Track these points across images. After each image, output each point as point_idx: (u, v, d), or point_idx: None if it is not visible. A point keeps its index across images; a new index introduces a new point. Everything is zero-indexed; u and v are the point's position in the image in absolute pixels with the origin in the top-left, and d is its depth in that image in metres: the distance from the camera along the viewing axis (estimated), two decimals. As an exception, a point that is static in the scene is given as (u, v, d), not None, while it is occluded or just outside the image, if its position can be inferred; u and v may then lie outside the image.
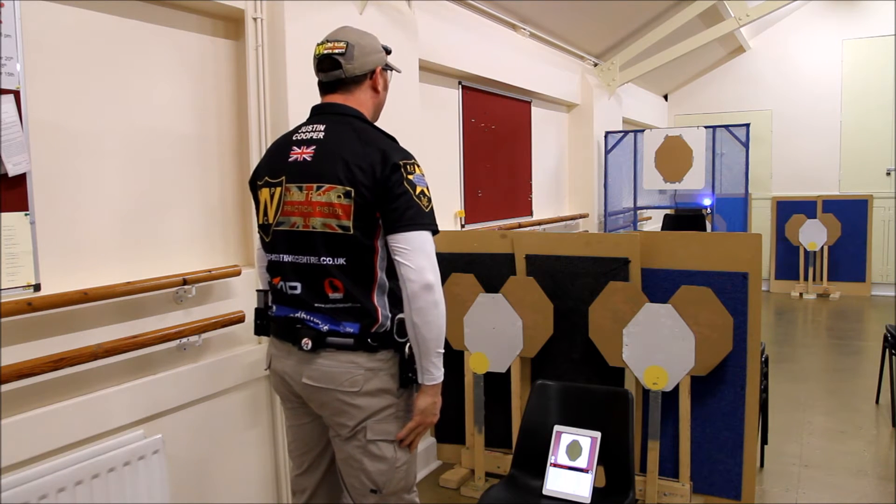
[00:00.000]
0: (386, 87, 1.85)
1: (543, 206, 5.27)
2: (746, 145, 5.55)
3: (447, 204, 3.90)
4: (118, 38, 2.01)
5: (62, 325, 1.81)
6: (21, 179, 1.71)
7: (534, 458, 2.22)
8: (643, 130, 5.74)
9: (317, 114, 1.78)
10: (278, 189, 1.71)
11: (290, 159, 1.71)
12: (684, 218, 6.81)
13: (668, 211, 6.93)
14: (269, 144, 2.34)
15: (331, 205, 1.62)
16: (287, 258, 1.71)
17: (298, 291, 1.68)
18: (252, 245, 2.42)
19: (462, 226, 4.04)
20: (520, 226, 4.61)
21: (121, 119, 2.02)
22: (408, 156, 1.66)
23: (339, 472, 1.79)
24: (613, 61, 5.89)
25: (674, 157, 5.54)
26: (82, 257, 1.91)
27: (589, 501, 2.08)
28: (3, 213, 1.67)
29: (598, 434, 2.17)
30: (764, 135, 7.91)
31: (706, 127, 5.52)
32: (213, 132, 2.33)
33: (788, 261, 7.60)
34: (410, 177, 1.63)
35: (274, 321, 1.77)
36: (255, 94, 2.36)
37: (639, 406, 2.82)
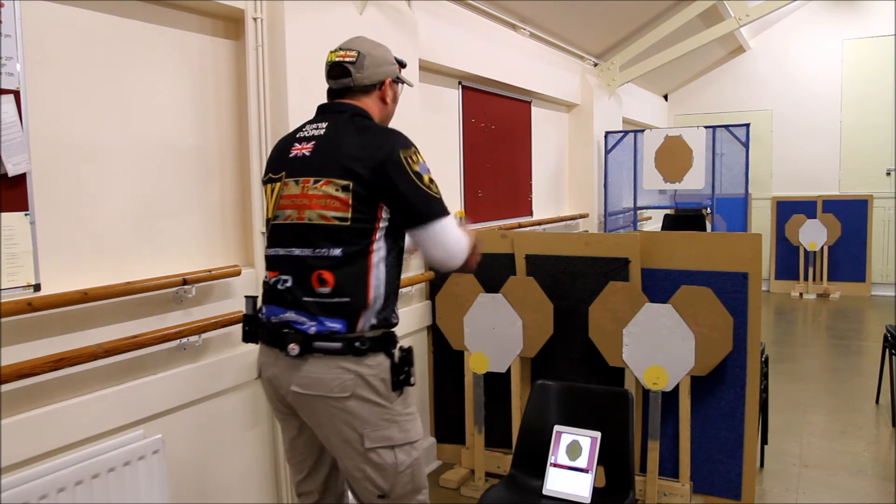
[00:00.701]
0: (395, 100, 1.85)
1: (543, 206, 5.27)
2: (746, 145, 5.55)
3: (447, 204, 3.89)
4: (118, 38, 2.01)
5: (62, 325, 1.81)
6: (21, 179, 1.71)
7: (534, 458, 2.22)
8: (643, 130, 5.74)
9: (321, 112, 1.80)
10: (277, 184, 1.73)
11: (290, 155, 1.73)
12: (684, 218, 6.81)
13: (668, 211, 6.93)
14: (270, 144, 2.36)
15: (329, 197, 1.62)
16: (281, 251, 1.71)
17: (290, 284, 1.68)
18: (252, 245, 2.42)
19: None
20: (520, 226, 4.61)
21: (121, 119, 2.01)
22: (408, 145, 1.67)
23: (347, 483, 1.78)
24: (613, 61, 5.89)
25: (674, 157, 5.54)
26: (82, 257, 1.91)
27: (589, 501, 2.08)
28: (3, 213, 1.66)
29: (598, 434, 2.17)
30: (764, 135, 7.91)
31: (706, 127, 5.52)
32: (212, 132, 2.33)
33: (788, 261, 7.60)
34: (416, 167, 1.64)
35: (263, 326, 1.75)
36: (255, 94, 2.36)
37: (639, 406, 2.82)
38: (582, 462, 2.15)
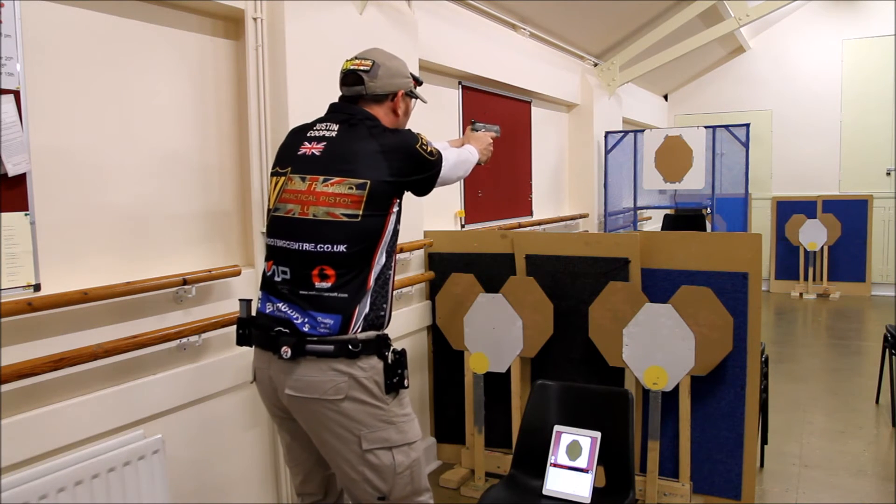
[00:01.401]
0: (407, 113, 1.89)
1: (543, 206, 5.27)
2: (746, 145, 5.55)
3: (447, 204, 3.90)
4: (118, 38, 2.01)
5: (62, 325, 1.81)
6: (21, 179, 1.71)
7: (534, 458, 2.22)
8: (643, 130, 5.74)
9: (333, 111, 1.83)
10: (282, 178, 1.75)
11: (299, 152, 1.75)
12: (684, 218, 6.81)
13: (668, 211, 6.93)
14: (270, 144, 2.36)
15: (340, 195, 1.65)
16: (280, 243, 1.73)
17: (288, 276, 1.70)
18: (252, 245, 2.42)
19: (462, 226, 4.04)
20: (520, 226, 4.61)
21: (121, 119, 2.01)
22: (417, 138, 1.80)
23: (345, 487, 1.79)
24: (613, 61, 5.89)
25: (674, 157, 5.54)
26: (82, 257, 1.91)
27: (589, 501, 2.08)
28: (3, 213, 1.66)
29: (598, 434, 2.17)
30: (764, 135, 7.91)
31: (706, 127, 5.52)
32: (213, 132, 2.33)
33: (788, 261, 7.60)
34: (429, 150, 1.82)
35: (256, 325, 1.76)
36: (255, 94, 2.36)
37: (639, 406, 2.82)
38: (582, 462, 2.15)
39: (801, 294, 7.42)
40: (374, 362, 1.67)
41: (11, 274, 1.69)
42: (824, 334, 5.91)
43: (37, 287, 1.74)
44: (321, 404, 1.64)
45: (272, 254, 1.76)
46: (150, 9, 2.10)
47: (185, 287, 2.10)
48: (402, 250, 2.99)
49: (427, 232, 3.29)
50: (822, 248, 7.32)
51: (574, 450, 2.18)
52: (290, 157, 1.77)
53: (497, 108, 4.47)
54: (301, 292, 1.67)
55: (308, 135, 1.78)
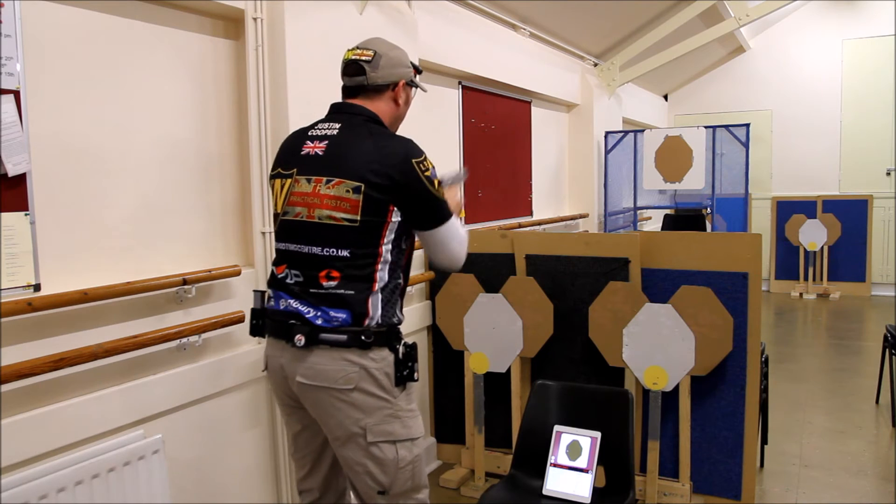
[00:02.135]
0: (407, 103, 1.88)
1: (543, 206, 5.27)
2: (746, 145, 5.55)
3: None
4: (118, 38, 2.01)
5: (62, 325, 1.81)
6: (21, 179, 1.71)
7: (534, 458, 2.22)
8: (643, 130, 5.74)
9: (335, 112, 1.82)
10: (288, 180, 1.75)
11: (302, 152, 1.74)
12: (684, 218, 6.81)
13: (668, 211, 6.93)
14: (270, 144, 2.36)
15: (339, 198, 1.65)
16: (292, 247, 1.73)
17: (301, 279, 1.71)
18: (252, 245, 2.42)
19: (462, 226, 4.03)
20: (520, 226, 4.61)
21: (121, 119, 2.01)
22: (419, 152, 1.71)
23: (348, 477, 1.79)
24: (613, 61, 5.89)
25: (674, 157, 5.54)
26: (82, 257, 1.91)
27: (589, 501, 2.08)
28: (3, 213, 1.66)
29: (598, 434, 2.17)
30: (764, 135, 7.91)
31: (706, 127, 5.52)
32: (213, 132, 2.33)
33: (788, 261, 7.60)
34: (427, 174, 1.70)
35: (270, 317, 1.77)
36: (255, 94, 2.36)
37: (639, 406, 2.82)
38: (582, 462, 2.15)
39: (801, 294, 7.42)
40: (385, 354, 1.70)
41: (11, 274, 1.69)
42: (824, 334, 5.91)
43: (37, 287, 1.74)
44: (330, 393, 1.66)
45: (284, 258, 1.76)
46: (150, 9, 2.10)
47: (185, 287, 2.10)
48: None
49: (427, 232, 3.29)
50: (822, 248, 7.32)
51: (574, 450, 2.18)
52: (293, 157, 1.76)
53: (497, 108, 4.47)
54: (311, 290, 1.69)
55: (310, 134, 1.78)
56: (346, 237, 1.65)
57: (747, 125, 5.58)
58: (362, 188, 1.63)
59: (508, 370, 3.03)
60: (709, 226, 5.80)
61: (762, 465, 3.21)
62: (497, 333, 3.01)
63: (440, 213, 1.75)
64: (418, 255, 3.25)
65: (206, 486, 2.25)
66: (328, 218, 1.66)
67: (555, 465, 2.18)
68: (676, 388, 2.72)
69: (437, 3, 3.56)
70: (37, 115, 1.77)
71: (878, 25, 7.34)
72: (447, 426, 3.37)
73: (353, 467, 1.72)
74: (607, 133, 5.85)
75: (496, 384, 3.10)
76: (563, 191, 5.73)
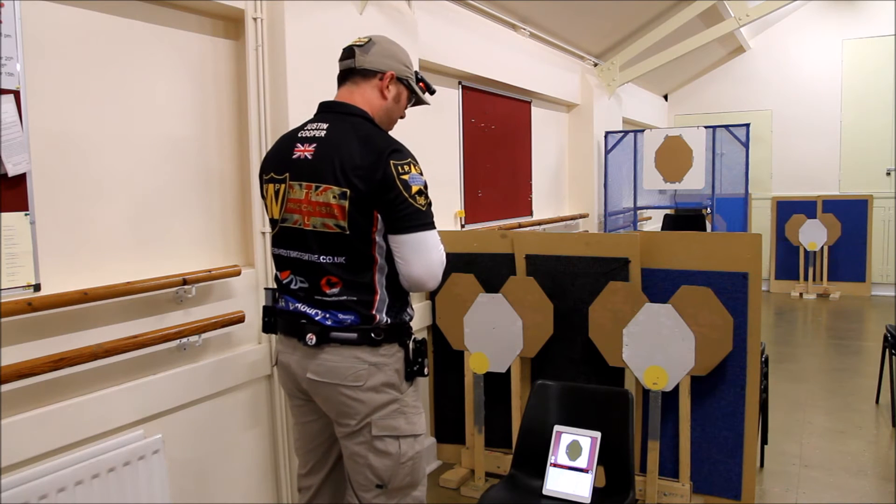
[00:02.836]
0: (397, 100, 1.83)
1: (543, 206, 5.27)
2: (746, 145, 5.55)
3: (447, 204, 3.90)
4: (118, 38, 2.01)
5: (62, 325, 1.81)
6: (21, 179, 1.71)
7: (534, 458, 2.22)
8: (643, 130, 5.74)
9: (323, 111, 1.81)
10: (282, 186, 1.74)
11: (293, 156, 1.73)
12: (684, 218, 6.80)
13: (668, 211, 6.93)
14: (270, 144, 2.36)
15: (328, 205, 1.64)
16: (293, 254, 1.74)
17: (306, 285, 1.72)
18: (252, 245, 2.42)
19: (462, 226, 4.04)
20: (520, 226, 4.61)
21: (121, 119, 2.01)
22: (403, 155, 1.66)
23: (346, 469, 1.80)
24: (613, 61, 5.89)
25: (674, 157, 5.54)
26: (82, 257, 1.91)
27: (589, 501, 2.08)
28: (3, 213, 1.67)
29: (598, 434, 2.17)
30: (764, 135, 7.91)
31: (706, 127, 5.52)
32: (213, 132, 2.33)
33: (788, 261, 7.60)
34: (405, 177, 1.63)
35: (281, 316, 1.79)
36: (255, 94, 2.36)
37: (639, 406, 2.82)
38: (582, 462, 2.15)
39: (801, 294, 7.42)
40: (395, 350, 1.72)
41: (11, 274, 1.69)
42: (824, 334, 5.91)
43: (37, 287, 1.74)
44: (339, 389, 1.68)
45: (287, 264, 1.76)
46: (150, 9, 2.10)
47: (185, 287, 2.10)
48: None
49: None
50: (822, 248, 7.32)
51: (574, 450, 2.18)
52: (285, 162, 1.74)
53: (497, 108, 4.47)
54: (316, 297, 1.71)
55: (300, 136, 1.75)
56: (339, 244, 1.66)
57: (747, 125, 5.58)
58: (348, 194, 1.62)
59: (508, 370, 3.03)
60: (709, 226, 5.80)
61: (762, 465, 3.21)
62: (497, 333, 3.01)
63: (414, 219, 1.64)
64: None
65: (206, 486, 2.25)
66: (322, 226, 1.66)
67: (555, 465, 2.18)
68: (676, 388, 2.72)
69: (437, 3, 3.56)
70: (37, 115, 1.77)
71: (878, 25, 7.34)
72: (447, 426, 3.37)
73: (355, 460, 1.73)
74: (607, 133, 5.85)
75: (496, 384, 3.10)
76: (563, 191, 5.74)
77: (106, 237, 1.98)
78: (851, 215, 7.28)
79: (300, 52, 2.41)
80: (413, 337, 1.77)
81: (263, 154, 2.34)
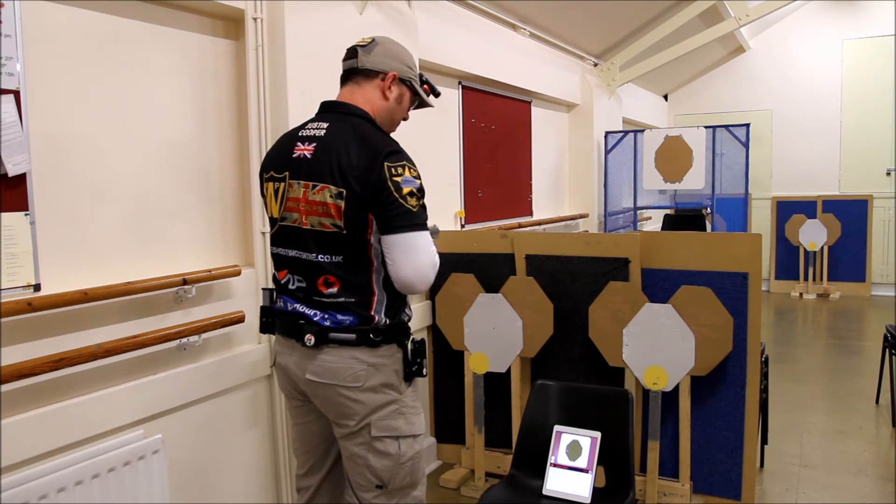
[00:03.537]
0: (400, 101, 1.83)
1: (543, 206, 5.27)
2: (746, 145, 5.55)
3: (447, 204, 3.90)
4: (118, 38, 2.01)
5: (62, 325, 1.81)
6: (21, 179, 1.71)
7: (534, 458, 2.22)
8: (643, 130, 5.74)
9: (324, 111, 1.81)
10: (282, 185, 1.74)
11: (293, 155, 1.73)
12: (684, 218, 6.80)
13: (668, 211, 6.93)
14: (270, 144, 2.36)
15: (325, 204, 1.64)
16: (292, 253, 1.74)
17: (304, 285, 1.72)
18: (252, 245, 2.42)
19: (462, 226, 4.03)
20: (520, 226, 4.60)
21: (120, 119, 2.01)
22: (398, 157, 1.65)
23: (345, 469, 1.80)
24: (613, 61, 5.89)
25: (674, 157, 5.54)
26: (82, 257, 1.91)
27: (589, 501, 2.08)
28: (3, 213, 1.66)
29: (598, 434, 2.17)
30: (764, 135, 7.91)
31: (706, 127, 5.52)
32: (213, 132, 2.33)
33: (788, 261, 7.60)
34: (397, 178, 1.62)
35: (279, 316, 1.79)
36: (255, 94, 2.36)
37: (639, 406, 2.82)
38: (582, 462, 2.15)
39: (801, 294, 7.42)
40: (394, 350, 1.72)
41: (11, 274, 1.69)
42: (824, 334, 5.91)
43: (37, 287, 1.74)
44: (338, 390, 1.68)
45: (285, 263, 1.77)
46: (150, 9, 2.10)
47: (185, 287, 2.10)
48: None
49: (427, 232, 3.29)
50: (822, 248, 7.32)
51: (574, 450, 2.18)
52: (285, 161, 1.75)
53: (497, 108, 4.47)
54: (314, 298, 1.71)
55: (300, 135, 1.76)
56: (336, 243, 1.66)
57: (747, 125, 5.58)
58: (344, 194, 1.62)
59: (508, 370, 3.03)
60: (709, 226, 5.80)
61: (762, 465, 3.21)
62: (497, 333, 3.01)
63: (403, 220, 1.62)
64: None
65: (206, 486, 2.25)
66: (319, 225, 1.66)
67: (555, 465, 2.18)
68: (676, 388, 2.72)
69: (437, 3, 3.57)
70: (37, 115, 1.77)
71: (878, 25, 7.34)
72: (447, 426, 3.37)
73: (354, 460, 1.73)
74: (607, 133, 5.85)
75: (496, 384, 3.10)
76: (563, 191, 5.73)
77: (106, 237, 1.98)
78: (851, 215, 7.28)
79: (300, 52, 2.41)
80: (412, 337, 1.77)
81: (263, 154, 2.35)
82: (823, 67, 7.69)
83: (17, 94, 1.68)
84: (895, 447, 3.41)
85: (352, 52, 1.80)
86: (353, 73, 1.79)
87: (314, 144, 1.71)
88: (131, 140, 2.05)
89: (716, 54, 7.97)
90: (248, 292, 2.36)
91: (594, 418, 2.22)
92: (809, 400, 4.14)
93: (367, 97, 1.78)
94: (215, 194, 2.35)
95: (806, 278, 7.45)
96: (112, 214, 1.99)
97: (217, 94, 2.34)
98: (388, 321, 1.70)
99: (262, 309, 1.85)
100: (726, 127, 5.60)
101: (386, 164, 1.62)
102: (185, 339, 2.11)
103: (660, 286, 2.80)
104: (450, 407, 3.34)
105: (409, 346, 1.75)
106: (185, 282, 2.09)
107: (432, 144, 3.64)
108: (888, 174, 7.40)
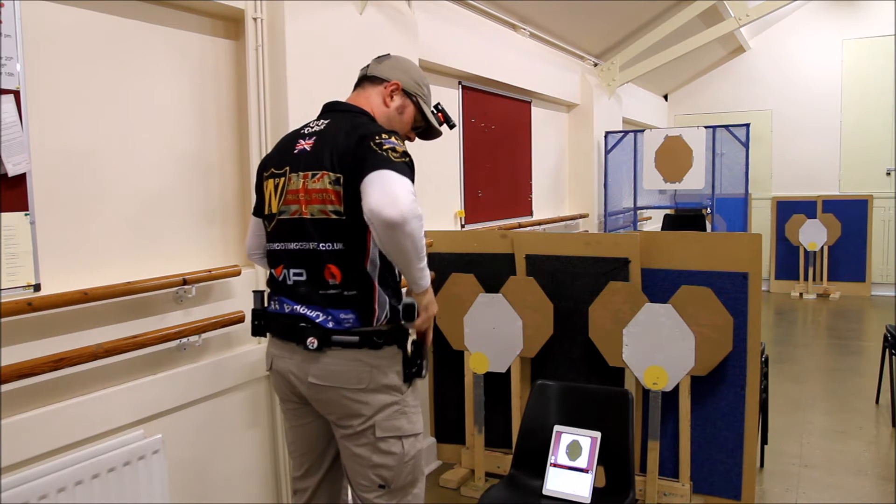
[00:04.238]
0: (400, 111, 1.86)
1: (543, 206, 5.27)
2: (746, 145, 5.55)
3: (447, 204, 3.90)
4: (118, 38, 2.01)
5: (62, 325, 1.81)
6: (21, 179, 1.71)
7: (534, 458, 2.22)
8: (643, 130, 5.74)
9: (326, 110, 1.85)
10: (282, 179, 1.75)
11: (294, 151, 1.75)
12: (684, 218, 6.80)
13: (668, 211, 6.93)
14: (270, 144, 2.36)
15: (324, 191, 1.65)
16: (292, 245, 1.73)
17: (304, 278, 1.70)
18: (252, 245, 2.42)
19: (462, 226, 4.03)
20: (520, 226, 4.60)
21: (121, 119, 2.01)
22: (382, 132, 1.65)
23: (345, 470, 1.80)
24: (613, 61, 5.89)
25: (674, 157, 5.54)
26: (82, 257, 1.91)
27: (589, 501, 2.08)
28: (3, 213, 1.67)
29: (598, 434, 2.17)
30: (764, 135, 7.91)
31: (706, 127, 5.52)
32: (213, 131, 2.33)
33: (788, 261, 7.60)
34: (379, 141, 1.61)
35: (274, 320, 1.77)
36: (255, 94, 2.36)
37: (639, 406, 2.82)
38: (582, 462, 2.15)
39: (801, 294, 7.42)
40: (394, 352, 1.72)
41: (11, 274, 1.69)
42: (824, 334, 5.91)
43: (37, 287, 1.74)
44: (341, 392, 1.68)
45: (280, 258, 1.75)
46: (150, 9, 2.10)
47: (185, 287, 2.10)
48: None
49: (427, 232, 3.28)
50: (822, 248, 7.32)
51: (574, 450, 2.18)
52: (287, 157, 1.77)
53: (497, 108, 4.47)
54: (320, 292, 1.68)
55: (302, 132, 1.80)
56: (337, 230, 1.66)
57: (747, 125, 5.59)
58: (341, 179, 1.64)
59: (508, 370, 3.03)
60: (709, 226, 5.80)
61: (762, 465, 3.21)
62: (497, 333, 3.01)
63: (379, 161, 1.55)
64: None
65: (206, 486, 2.25)
66: (319, 212, 1.67)
67: (555, 465, 2.18)
68: (676, 388, 2.72)
69: (437, 3, 3.57)
70: (37, 115, 1.77)
71: (878, 25, 7.34)
72: (447, 426, 3.37)
73: (358, 462, 1.73)
74: (607, 133, 5.85)
75: (496, 384, 3.10)
76: (563, 191, 5.73)
77: (106, 237, 1.98)
78: (851, 215, 7.28)
79: (300, 52, 2.41)
80: (412, 339, 1.77)
81: (263, 154, 2.36)
82: (823, 67, 7.69)
83: (17, 94, 1.68)
84: (895, 447, 3.41)
85: (367, 65, 1.90)
86: (362, 80, 1.89)
87: (314, 139, 1.74)
88: (131, 140, 2.05)
89: (716, 54, 7.97)
90: (248, 292, 2.35)
91: (594, 418, 2.22)
92: (809, 400, 4.14)
93: (369, 101, 1.84)
94: (215, 194, 2.35)
95: (806, 278, 7.45)
96: (112, 214, 1.99)
97: (217, 94, 2.34)
98: (389, 315, 1.69)
99: (254, 312, 1.82)
100: (726, 127, 5.60)
101: (367, 133, 1.63)
102: (184, 340, 2.11)
103: (660, 286, 2.80)
104: (450, 407, 3.34)
105: (410, 346, 1.75)
106: (185, 282, 2.09)
107: (432, 144, 3.63)
108: (888, 174, 7.40)
